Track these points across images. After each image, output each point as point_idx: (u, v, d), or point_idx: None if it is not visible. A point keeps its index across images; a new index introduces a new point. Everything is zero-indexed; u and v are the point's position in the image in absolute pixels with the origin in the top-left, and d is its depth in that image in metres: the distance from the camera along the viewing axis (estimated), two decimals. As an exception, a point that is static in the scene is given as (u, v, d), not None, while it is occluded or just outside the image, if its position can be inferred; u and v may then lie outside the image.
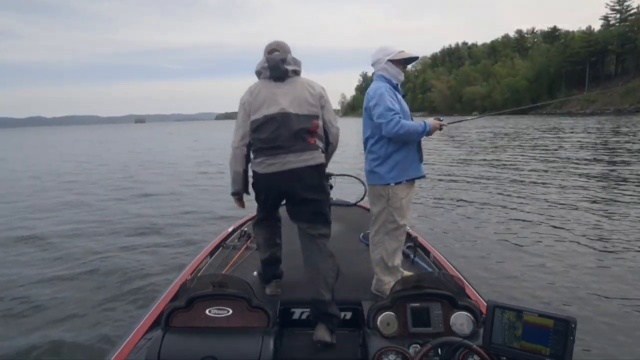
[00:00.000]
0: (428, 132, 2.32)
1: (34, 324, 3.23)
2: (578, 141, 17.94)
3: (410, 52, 2.37)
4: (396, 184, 2.31)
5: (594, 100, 71.82)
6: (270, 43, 2.35)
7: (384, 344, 1.49)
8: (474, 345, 1.32)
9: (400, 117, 2.22)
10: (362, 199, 4.22)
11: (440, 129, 2.39)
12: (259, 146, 2.17)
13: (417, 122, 2.32)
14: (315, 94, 2.20)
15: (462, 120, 3.14)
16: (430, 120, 2.36)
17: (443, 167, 11.73)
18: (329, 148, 2.33)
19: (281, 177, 2.10)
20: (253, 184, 2.28)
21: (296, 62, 2.24)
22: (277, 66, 2.18)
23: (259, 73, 2.27)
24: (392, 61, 2.33)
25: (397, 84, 2.38)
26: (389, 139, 2.28)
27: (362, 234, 3.30)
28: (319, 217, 2.16)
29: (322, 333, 1.98)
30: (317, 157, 2.13)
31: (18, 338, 3.03)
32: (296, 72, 2.24)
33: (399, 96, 2.35)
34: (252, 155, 2.23)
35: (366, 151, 2.45)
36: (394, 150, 2.31)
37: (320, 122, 2.21)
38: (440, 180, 9.60)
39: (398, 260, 2.42)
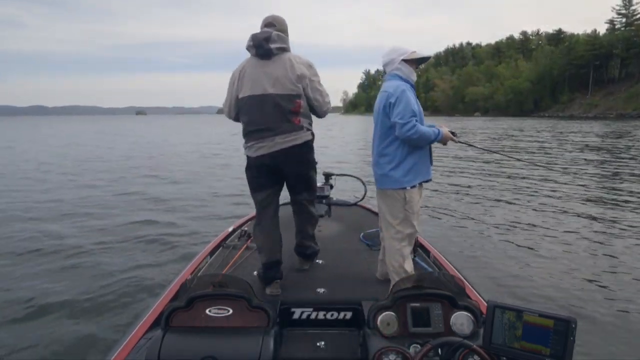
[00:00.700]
0: (439, 141, 2.30)
1: (33, 323, 3.18)
2: (580, 143, 17.88)
3: (422, 52, 2.34)
4: (412, 187, 2.26)
5: (596, 104, 71.62)
6: (267, 17, 2.38)
7: (384, 344, 1.49)
8: (474, 345, 1.32)
9: (416, 121, 2.19)
10: (362, 199, 4.21)
11: (445, 143, 2.36)
12: (247, 130, 2.29)
13: (432, 129, 2.28)
14: (299, 74, 2.24)
15: (470, 145, 3.13)
16: (445, 131, 2.31)
17: (443, 166, 11.70)
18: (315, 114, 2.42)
19: (270, 157, 2.25)
20: (246, 170, 2.39)
21: (281, 39, 2.27)
22: (261, 45, 2.23)
23: (248, 50, 2.32)
24: (406, 61, 2.29)
25: (412, 84, 2.33)
26: (403, 141, 2.23)
27: (362, 233, 3.29)
28: (306, 186, 2.47)
29: (299, 264, 2.67)
30: (303, 136, 2.29)
31: (17, 337, 3.01)
32: (283, 49, 2.27)
33: (415, 97, 2.31)
34: (243, 140, 2.35)
35: (377, 153, 2.35)
36: (409, 153, 2.26)
37: (303, 102, 2.28)
38: (440, 179, 9.58)
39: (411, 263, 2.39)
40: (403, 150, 2.25)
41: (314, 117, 2.45)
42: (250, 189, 2.42)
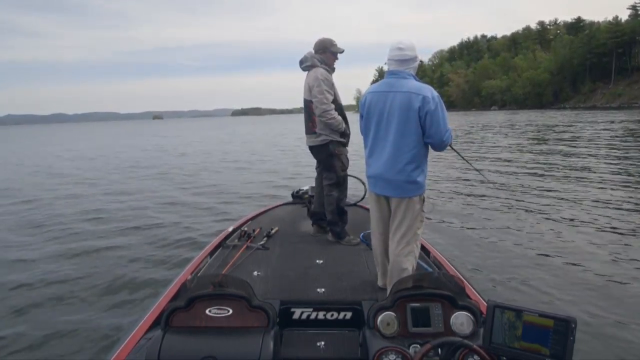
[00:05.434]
0: None
1: (34, 323, 3.21)
2: (579, 138, 16.93)
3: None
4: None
5: (620, 94, 69.15)
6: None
7: (384, 344, 1.49)
8: (474, 345, 1.30)
9: None
10: (362, 199, 4.18)
11: None
12: None
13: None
14: (310, 84, 3.14)
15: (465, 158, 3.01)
16: None
17: (442, 164, 11.14)
18: (323, 122, 3.15)
19: (308, 147, 3.42)
20: None
21: (309, 59, 3.22)
22: (300, 64, 3.32)
23: None
24: None
25: None
26: (427, 145, 2.17)
27: (362, 233, 3.25)
28: (327, 170, 3.33)
29: (313, 230, 3.53)
30: (315, 140, 3.26)
31: (17, 337, 3.03)
32: (310, 66, 3.21)
33: None
34: None
35: (403, 160, 2.16)
36: (426, 156, 2.23)
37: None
38: (439, 178, 9.30)
39: None
40: (426, 155, 2.21)
41: None
42: None
